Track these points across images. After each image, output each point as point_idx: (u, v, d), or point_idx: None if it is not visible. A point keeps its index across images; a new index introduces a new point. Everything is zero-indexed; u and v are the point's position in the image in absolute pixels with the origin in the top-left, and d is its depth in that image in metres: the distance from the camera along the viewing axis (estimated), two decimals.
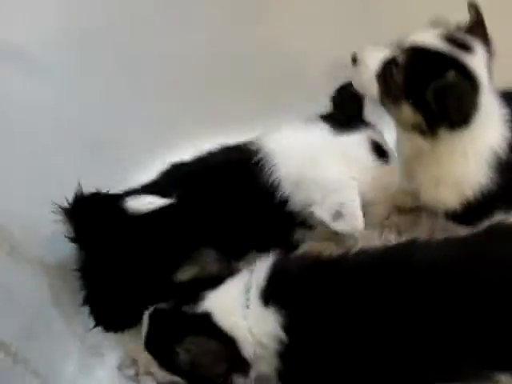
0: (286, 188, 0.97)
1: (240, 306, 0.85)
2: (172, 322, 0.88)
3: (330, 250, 1.05)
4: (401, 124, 0.98)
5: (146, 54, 1.20)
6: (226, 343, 0.84)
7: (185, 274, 0.95)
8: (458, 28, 0.95)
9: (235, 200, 0.96)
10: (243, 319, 0.85)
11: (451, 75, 0.86)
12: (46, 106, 1.06)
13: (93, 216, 0.92)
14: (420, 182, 1.01)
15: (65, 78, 1.10)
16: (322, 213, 0.93)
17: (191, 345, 0.84)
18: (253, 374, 0.87)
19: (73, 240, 0.93)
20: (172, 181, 0.99)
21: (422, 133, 0.93)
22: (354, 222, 0.92)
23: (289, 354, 0.83)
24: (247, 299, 0.86)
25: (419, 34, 0.94)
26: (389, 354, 0.81)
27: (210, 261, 0.96)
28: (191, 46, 1.21)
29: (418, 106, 0.91)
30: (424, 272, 0.81)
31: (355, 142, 0.98)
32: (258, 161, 0.97)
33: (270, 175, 0.96)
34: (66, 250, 0.98)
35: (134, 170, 1.14)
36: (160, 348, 0.90)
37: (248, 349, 0.85)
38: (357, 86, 1.01)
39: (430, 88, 0.87)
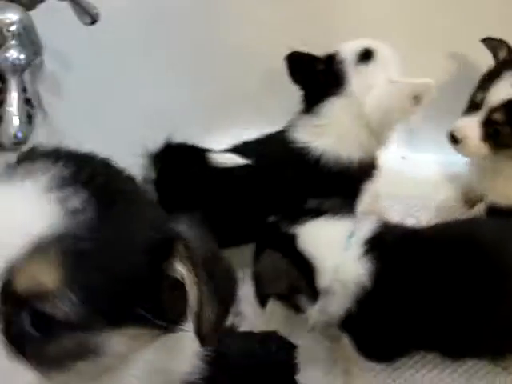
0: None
1: (338, 246, 0.92)
2: (267, 234, 0.97)
3: None
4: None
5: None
6: (300, 266, 0.90)
7: (309, 203, 1.01)
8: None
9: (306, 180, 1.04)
10: (336, 257, 0.91)
11: None
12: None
13: (178, 163, 1.00)
14: (492, 184, 1.14)
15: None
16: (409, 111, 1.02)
17: (267, 257, 0.91)
18: (317, 305, 0.93)
19: (152, 183, 0.99)
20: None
21: None
22: (427, 88, 1.00)
23: (366, 301, 0.89)
24: (349, 242, 0.92)
25: (498, 89, 1.03)
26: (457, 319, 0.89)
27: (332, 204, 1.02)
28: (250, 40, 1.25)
29: None
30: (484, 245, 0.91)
31: (358, 74, 1.03)
32: (318, 159, 1.04)
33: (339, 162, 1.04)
34: None
35: None
36: (254, 257, 0.98)
37: (324, 282, 0.90)
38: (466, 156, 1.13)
39: None
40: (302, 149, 1.05)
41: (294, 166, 1.05)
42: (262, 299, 0.95)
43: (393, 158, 1.31)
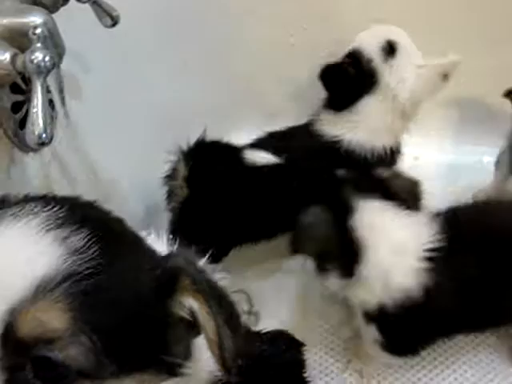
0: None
1: (396, 245, 0.86)
2: (329, 191, 0.91)
3: None
4: None
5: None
6: (344, 242, 0.84)
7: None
8: None
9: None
10: (390, 258, 0.85)
11: None
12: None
13: (210, 161, 1.01)
14: None
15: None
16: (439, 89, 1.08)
17: (315, 214, 0.86)
18: (344, 283, 0.88)
19: (183, 180, 1.01)
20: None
21: None
22: (454, 65, 1.05)
23: (410, 306, 0.85)
24: (408, 246, 0.86)
25: None
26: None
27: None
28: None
29: None
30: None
31: (390, 69, 1.07)
32: (352, 150, 1.09)
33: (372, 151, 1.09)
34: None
35: None
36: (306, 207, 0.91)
37: (364, 271, 0.85)
38: None
39: None
40: (334, 142, 1.09)
41: (325, 158, 1.08)
42: (293, 251, 0.93)
43: (406, 157, 1.32)
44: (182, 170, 1.00)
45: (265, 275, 1.02)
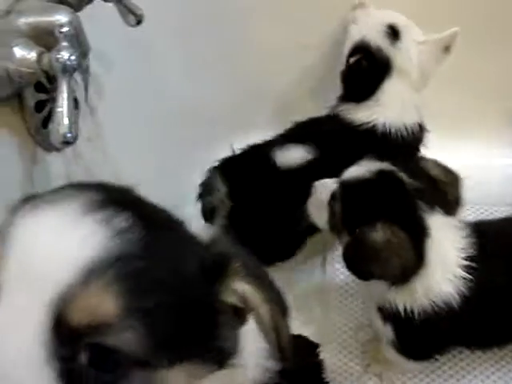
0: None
1: (446, 256, 0.85)
2: (404, 197, 0.84)
3: None
4: None
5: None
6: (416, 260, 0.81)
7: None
8: None
9: None
10: (441, 263, 0.84)
11: None
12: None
13: (244, 170, 1.03)
14: None
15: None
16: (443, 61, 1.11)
17: (392, 230, 0.80)
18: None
19: (226, 196, 1.02)
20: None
21: None
22: (454, 37, 1.08)
23: (443, 316, 0.85)
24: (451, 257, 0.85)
25: None
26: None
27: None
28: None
29: None
30: None
31: (399, 51, 1.09)
32: (388, 132, 1.10)
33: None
34: None
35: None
36: (365, 208, 0.85)
37: (420, 282, 0.84)
38: None
39: None
40: (368, 127, 1.10)
41: (361, 143, 1.08)
42: (364, 274, 0.87)
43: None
44: (221, 187, 1.01)
45: (280, 273, 1.00)
